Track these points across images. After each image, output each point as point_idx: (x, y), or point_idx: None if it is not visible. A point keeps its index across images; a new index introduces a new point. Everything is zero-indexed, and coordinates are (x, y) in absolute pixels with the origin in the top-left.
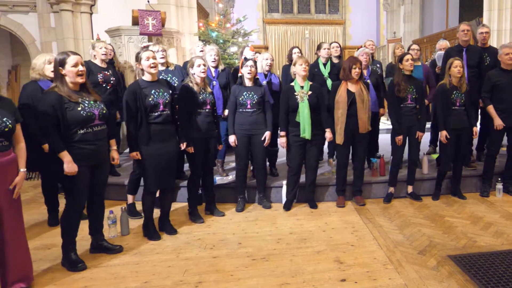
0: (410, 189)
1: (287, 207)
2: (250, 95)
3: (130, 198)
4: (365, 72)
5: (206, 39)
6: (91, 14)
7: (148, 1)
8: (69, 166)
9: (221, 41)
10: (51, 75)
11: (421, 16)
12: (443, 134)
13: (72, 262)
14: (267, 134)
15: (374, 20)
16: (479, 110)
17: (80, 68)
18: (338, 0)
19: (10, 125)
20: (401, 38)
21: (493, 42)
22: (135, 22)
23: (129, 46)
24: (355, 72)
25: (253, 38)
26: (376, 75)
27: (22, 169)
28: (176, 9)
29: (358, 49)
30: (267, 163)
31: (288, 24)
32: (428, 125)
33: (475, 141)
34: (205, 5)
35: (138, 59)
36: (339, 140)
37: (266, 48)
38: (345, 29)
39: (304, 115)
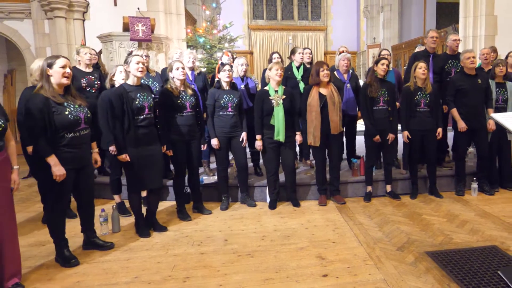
0: (388, 188)
1: (272, 206)
2: (230, 98)
3: (116, 197)
4: (345, 76)
5: (193, 45)
6: (83, 20)
7: (138, 8)
8: (58, 169)
9: (208, 46)
10: None
11: (399, 23)
12: (404, 135)
13: (65, 258)
14: (243, 135)
15: (354, 26)
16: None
17: (67, 70)
18: (320, 7)
19: (2, 125)
20: (380, 43)
21: (468, 48)
22: (126, 28)
23: (120, 52)
24: (323, 74)
25: (239, 43)
26: (356, 79)
27: (16, 166)
28: (165, 16)
29: (339, 53)
30: (251, 164)
31: (272, 30)
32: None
33: (451, 142)
34: (193, 12)
35: (127, 62)
36: (314, 142)
37: (251, 53)
38: (327, 35)
39: (279, 119)
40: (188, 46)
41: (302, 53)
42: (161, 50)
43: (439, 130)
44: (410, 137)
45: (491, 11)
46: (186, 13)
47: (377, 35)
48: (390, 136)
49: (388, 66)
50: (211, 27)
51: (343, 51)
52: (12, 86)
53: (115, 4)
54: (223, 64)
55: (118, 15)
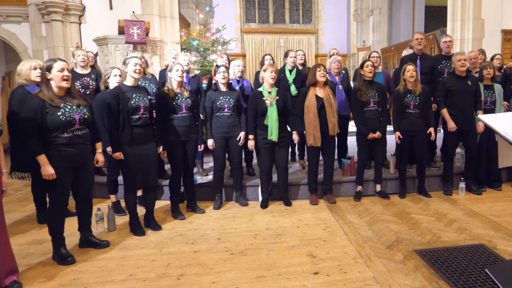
0: (378, 187)
1: (264, 205)
2: (227, 99)
3: (112, 197)
4: (337, 78)
5: (187, 47)
6: (79, 24)
7: (133, 12)
8: (45, 169)
9: (201, 49)
10: (37, 79)
11: (389, 26)
12: (396, 135)
13: (62, 256)
14: (242, 134)
15: (344, 29)
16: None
17: (66, 73)
18: (311, 11)
19: None
20: (370, 46)
21: (456, 51)
22: (121, 31)
23: (115, 54)
24: (319, 74)
25: (232, 46)
26: (347, 81)
27: (4, 170)
28: (160, 19)
29: (330, 56)
30: (244, 163)
31: (264, 33)
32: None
33: (440, 143)
34: (187, 16)
35: (125, 63)
36: (314, 142)
37: (244, 56)
38: (317, 38)
39: (272, 119)
40: (182, 49)
41: (294, 57)
42: (155, 53)
43: (431, 129)
44: (401, 137)
45: (478, 14)
46: (180, 17)
47: (367, 38)
48: (377, 133)
49: (375, 67)
50: (204, 30)
51: (333, 54)
52: (10, 88)
53: (111, 8)
54: (218, 66)
55: (114, 19)
